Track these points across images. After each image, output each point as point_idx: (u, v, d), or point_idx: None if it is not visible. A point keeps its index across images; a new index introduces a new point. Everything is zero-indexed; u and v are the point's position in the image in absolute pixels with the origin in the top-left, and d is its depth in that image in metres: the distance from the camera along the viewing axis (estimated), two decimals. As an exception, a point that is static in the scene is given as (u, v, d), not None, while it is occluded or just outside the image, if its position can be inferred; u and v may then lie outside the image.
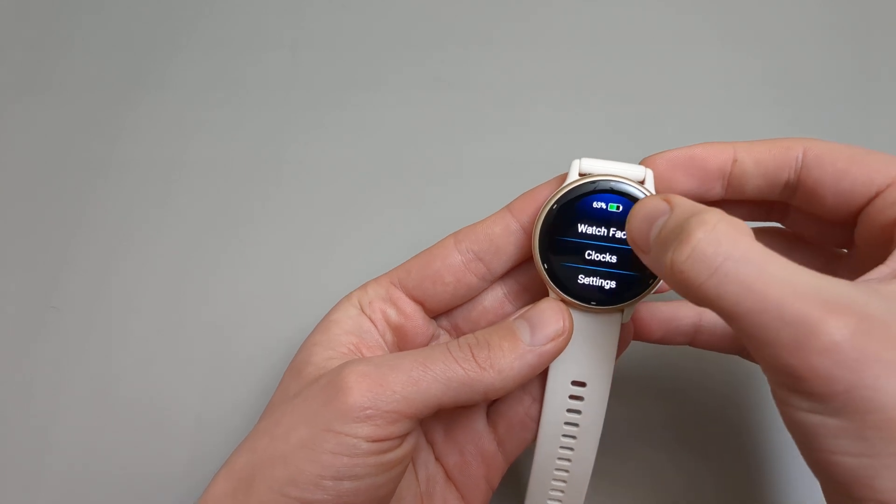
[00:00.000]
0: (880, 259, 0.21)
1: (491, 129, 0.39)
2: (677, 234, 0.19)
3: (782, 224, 0.27)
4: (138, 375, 0.35)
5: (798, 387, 0.17)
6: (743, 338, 0.19)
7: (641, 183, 0.25)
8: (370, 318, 0.27)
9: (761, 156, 0.24)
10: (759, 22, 0.41)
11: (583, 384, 0.26)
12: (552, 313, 0.25)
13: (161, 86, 0.41)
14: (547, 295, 0.26)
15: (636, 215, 0.22)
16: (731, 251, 0.18)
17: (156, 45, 0.42)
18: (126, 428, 0.34)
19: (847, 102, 0.39)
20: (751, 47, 0.41)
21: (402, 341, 0.28)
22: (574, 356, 0.26)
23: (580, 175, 0.25)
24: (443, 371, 0.23)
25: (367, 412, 0.22)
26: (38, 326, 0.36)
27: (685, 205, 0.21)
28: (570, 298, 0.25)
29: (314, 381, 0.24)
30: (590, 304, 0.25)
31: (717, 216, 0.19)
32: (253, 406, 0.35)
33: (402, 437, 0.23)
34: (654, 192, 0.25)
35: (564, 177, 0.26)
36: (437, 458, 0.28)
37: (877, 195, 0.23)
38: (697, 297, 0.19)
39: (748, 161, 0.24)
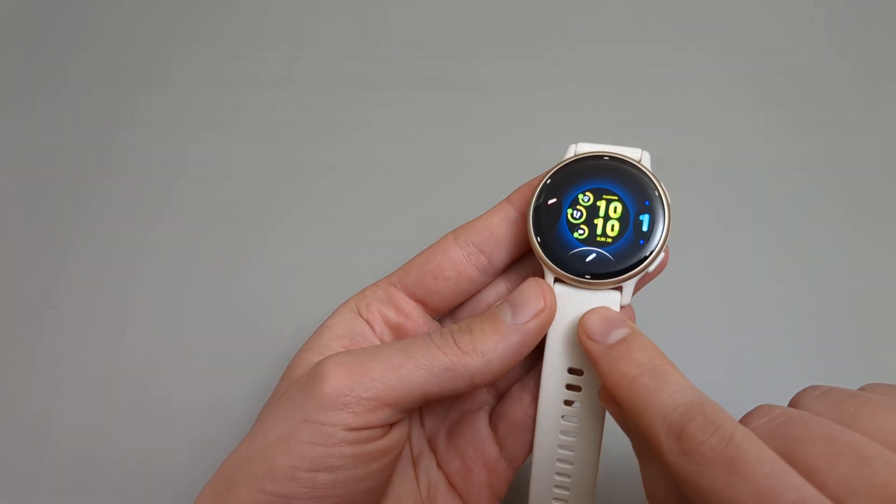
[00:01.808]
0: None
1: (495, 130, 0.39)
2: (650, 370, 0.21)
3: None
4: (138, 375, 0.36)
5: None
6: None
7: (638, 163, 0.24)
8: (367, 321, 0.26)
9: None
10: (757, 20, 0.41)
11: (580, 372, 0.24)
12: (531, 290, 0.23)
13: (162, 85, 0.42)
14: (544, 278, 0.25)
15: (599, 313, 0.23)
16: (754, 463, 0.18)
17: (155, 45, 0.43)
18: (126, 427, 0.35)
19: (844, 101, 0.39)
20: (750, 45, 0.40)
21: None
22: (570, 342, 0.24)
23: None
24: (424, 357, 0.22)
25: (345, 399, 0.21)
26: (38, 326, 0.37)
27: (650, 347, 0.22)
28: (564, 273, 0.24)
29: (298, 379, 0.24)
30: (584, 277, 0.24)
31: (733, 423, 0.19)
32: (252, 405, 0.35)
33: (385, 429, 0.22)
34: (650, 170, 0.24)
35: None
36: (439, 465, 0.27)
37: None
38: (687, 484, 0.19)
39: None
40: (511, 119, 0.39)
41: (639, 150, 0.25)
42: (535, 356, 0.24)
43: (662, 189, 0.24)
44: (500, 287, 0.27)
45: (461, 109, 0.40)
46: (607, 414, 0.24)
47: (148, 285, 0.38)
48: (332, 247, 0.37)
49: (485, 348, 0.22)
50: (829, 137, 0.38)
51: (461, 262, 0.26)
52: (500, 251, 0.26)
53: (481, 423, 0.27)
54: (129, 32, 0.44)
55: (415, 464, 0.27)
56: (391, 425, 0.22)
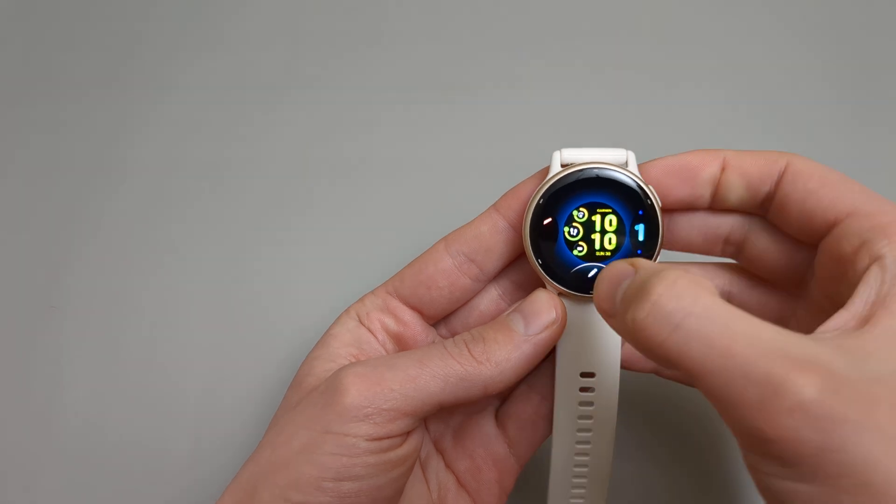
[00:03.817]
0: (836, 294, 0.20)
1: (485, 129, 0.40)
2: (638, 291, 0.19)
3: (757, 237, 0.26)
4: (138, 376, 0.36)
5: (767, 450, 0.17)
6: (708, 398, 0.18)
7: (624, 166, 0.25)
8: (369, 329, 0.27)
9: (746, 167, 0.24)
10: (756, 22, 0.41)
11: (592, 375, 0.26)
12: (543, 302, 0.25)
13: (159, 86, 0.42)
14: (542, 287, 0.26)
15: (602, 280, 0.22)
16: (691, 307, 0.18)
17: (155, 45, 0.43)
18: (126, 428, 0.35)
19: (843, 103, 0.39)
20: (746, 44, 0.41)
21: (403, 350, 0.28)
22: (579, 348, 0.26)
23: (562, 166, 0.25)
24: (440, 367, 0.23)
25: (365, 411, 0.22)
26: (39, 326, 0.37)
27: (648, 265, 0.20)
28: (567, 290, 0.25)
29: (313, 389, 0.24)
30: (588, 293, 0.25)
31: (676, 273, 0.19)
32: (253, 406, 0.35)
33: (403, 437, 0.23)
34: (637, 175, 0.25)
35: (547, 170, 0.26)
36: (447, 466, 0.28)
37: (835, 223, 0.22)
38: (660, 355, 0.18)
39: (734, 171, 0.24)
40: (507, 119, 0.40)
41: (624, 152, 0.25)
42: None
43: (654, 195, 0.24)
44: (491, 293, 0.28)
45: (457, 110, 0.40)
46: (617, 406, 0.26)
47: (149, 285, 0.37)
48: (332, 247, 0.38)
49: (498, 358, 0.23)
50: (828, 137, 0.38)
51: (453, 273, 0.27)
52: (491, 260, 0.27)
53: (488, 423, 0.28)
54: (132, 30, 0.43)
55: (423, 467, 0.27)
56: (408, 433, 0.24)
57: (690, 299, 0.18)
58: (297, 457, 0.22)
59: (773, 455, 0.17)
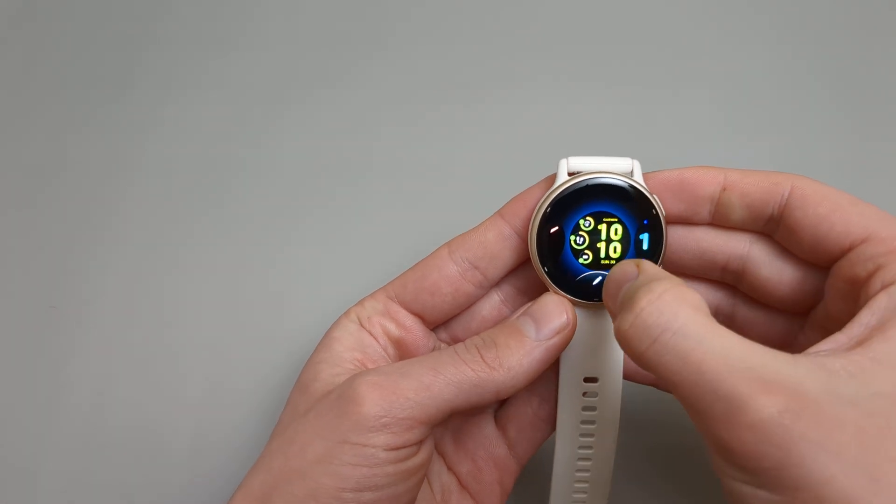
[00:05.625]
0: (847, 316, 0.21)
1: (483, 130, 0.40)
2: (627, 301, 0.20)
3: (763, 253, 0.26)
4: (138, 377, 0.36)
5: (731, 458, 0.18)
6: (683, 406, 0.19)
7: (630, 175, 0.25)
8: (370, 333, 0.27)
9: (748, 188, 0.24)
10: (764, 27, 0.41)
11: (595, 380, 0.26)
12: (554, 307, 0.25)
13: (155, 84, 0.41)
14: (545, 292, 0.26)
15: (609, 280, 0.22)
16: (670, 322, 0.19)
17: (166, 46, 0.42)
18: (125, 427, 0.35)
19: (847, 106, 0.39)
20: (753, 51, 0.41)
21: (403, 355, 0.28)
22: (583, 353, 0.26)
23: (569, 174, 0.26)
24: (453, 374, 0.23)
25: (383, 420, 0.22)
26: (39, 326, 0.36)
27: (650, 270, 0.21)
28: (574, 298, 0.26)
29: (324, 396, 0.24)
30: (593, 300, 0.26)
31: (664, 286, 0.20)
32: (255, 402, 0.36)
33: (419, 444, 0.23)
34: (642, 183, 0.25)
35: (553, 178, 0.26)
36: (448, 468, 0.28)
37: (850, 248, 0.22)
38: (641, 363, 0.20)
39: (734, 192, 0.25)
40: (512, 124, 0.40)
41: (629, 160, 0.25)
42: None
43: (658, 205, 0.25)
44: (493, 298, 0.28)
45: (463, 115, 0.40)
46: (620, 411, 0.26)
47: (149, 285, 0.37)
48: (334, 248, 0.38)
49: (511, 363, 0.24)
50: (833, 142, 0.38)
51: (457, 279, 0.27)
52: (496, 267, 0.27)
53: (488, 424, 0.28)
54: (144, 31, 0.42)
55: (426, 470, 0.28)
56: (422, 441, 0.24)
57: (671, 315, 0.19)
58: (313, 467, 0.22)
59: (736, 463, 0.18)
